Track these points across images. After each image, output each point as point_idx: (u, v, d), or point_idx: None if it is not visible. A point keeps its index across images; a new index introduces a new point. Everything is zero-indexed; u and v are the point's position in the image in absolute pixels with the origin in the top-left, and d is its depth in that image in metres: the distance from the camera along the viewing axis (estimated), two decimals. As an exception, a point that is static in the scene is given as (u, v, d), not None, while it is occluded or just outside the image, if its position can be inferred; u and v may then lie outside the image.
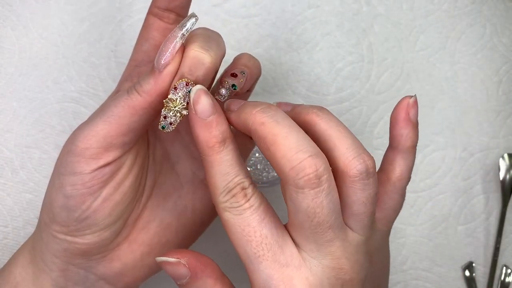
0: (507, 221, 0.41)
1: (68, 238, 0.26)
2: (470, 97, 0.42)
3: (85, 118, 0.28)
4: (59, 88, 0.40)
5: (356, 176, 0.23)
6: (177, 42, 0.24)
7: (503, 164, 0.41)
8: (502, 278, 0.40)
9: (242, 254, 0.23)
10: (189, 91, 0.24)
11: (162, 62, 0.24)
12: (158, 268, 0.30)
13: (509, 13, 0.44)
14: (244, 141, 0.30)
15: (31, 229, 0.39)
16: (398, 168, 0.27)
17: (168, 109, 0.24)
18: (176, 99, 0.24)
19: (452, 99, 0.42)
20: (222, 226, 0.24)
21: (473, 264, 0.41)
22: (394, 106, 0.27)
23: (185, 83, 0.24)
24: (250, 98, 0.34)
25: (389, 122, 0.27)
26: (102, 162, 0.25)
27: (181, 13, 0.28)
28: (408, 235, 0.41)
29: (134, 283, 0.29)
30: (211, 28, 0.27)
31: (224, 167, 0.23)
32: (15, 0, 0.41)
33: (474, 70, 0.43)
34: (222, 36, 0.27)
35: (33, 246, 0.28)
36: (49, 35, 0.41)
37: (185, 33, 0.24)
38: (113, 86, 0.40)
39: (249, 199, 0.23)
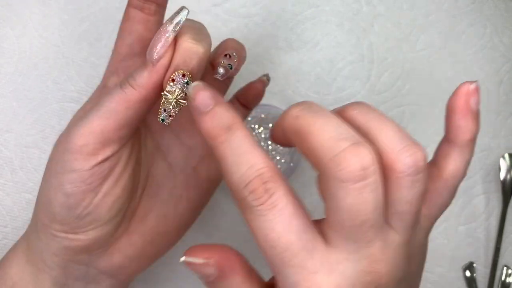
0: (507, 221, 0.41)
1: (70, 236, 0.26)
2: (470, 97, 0.42)
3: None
4: (59, 88, 0.40)
5: (404, 171, 0.20)
6: (169, 36, 0.24)
7: (504, 164, 0.41)
8: (503, 278, 0.40)
9: (266, 257, 0.21)
10: (186, 82, 0.24)
11: (155, 55, 0.24)
12: (157, 257, 0.30)
13: (509, 13, 0.43)
14: None
15: (30, 229, 0.39)
16: (452, 164, 0.23)
17: (168, 102, 0.24)
18: (175, 90, 0.24)
19: (452, 99, 0.42)
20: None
21: (474, 265, 0.41)
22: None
23: (181, 75, 0.24)
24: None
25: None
26: (100, 157, 0.25)
27: (161, 3, 0.27)
28: (409, 235, 0.41)
29: (134, 273, 0.29)
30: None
31: (234, 158, 0.21)
32: (15, 0, 0.41)
33: (474, 70, 0.43)
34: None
35: (28, 247, 0.28)
36: (49, 35, 0.41)
37: (176, 27, 0.24)
38: (113, 86, 0.40)
39: (271, 196, 0.20)
